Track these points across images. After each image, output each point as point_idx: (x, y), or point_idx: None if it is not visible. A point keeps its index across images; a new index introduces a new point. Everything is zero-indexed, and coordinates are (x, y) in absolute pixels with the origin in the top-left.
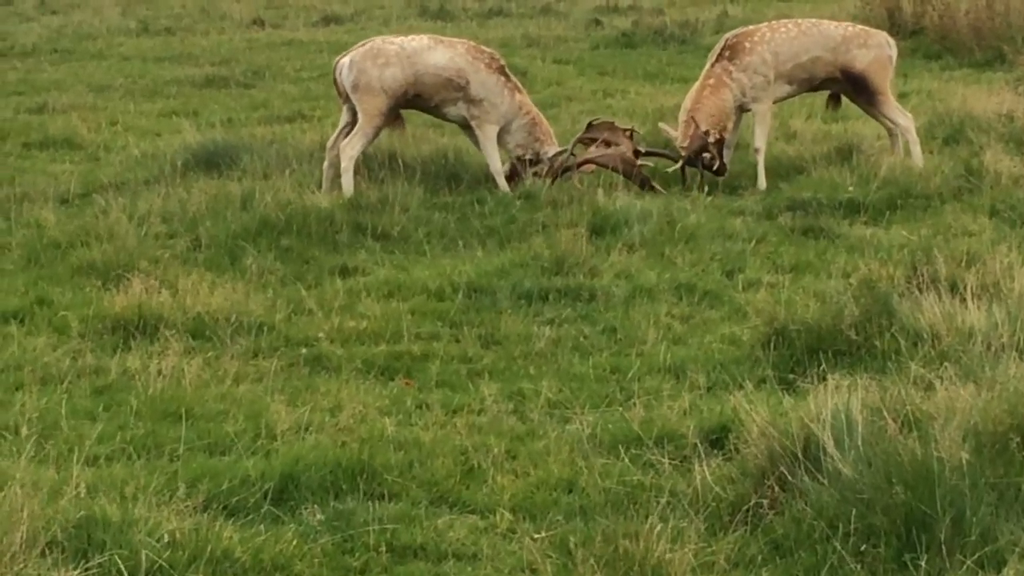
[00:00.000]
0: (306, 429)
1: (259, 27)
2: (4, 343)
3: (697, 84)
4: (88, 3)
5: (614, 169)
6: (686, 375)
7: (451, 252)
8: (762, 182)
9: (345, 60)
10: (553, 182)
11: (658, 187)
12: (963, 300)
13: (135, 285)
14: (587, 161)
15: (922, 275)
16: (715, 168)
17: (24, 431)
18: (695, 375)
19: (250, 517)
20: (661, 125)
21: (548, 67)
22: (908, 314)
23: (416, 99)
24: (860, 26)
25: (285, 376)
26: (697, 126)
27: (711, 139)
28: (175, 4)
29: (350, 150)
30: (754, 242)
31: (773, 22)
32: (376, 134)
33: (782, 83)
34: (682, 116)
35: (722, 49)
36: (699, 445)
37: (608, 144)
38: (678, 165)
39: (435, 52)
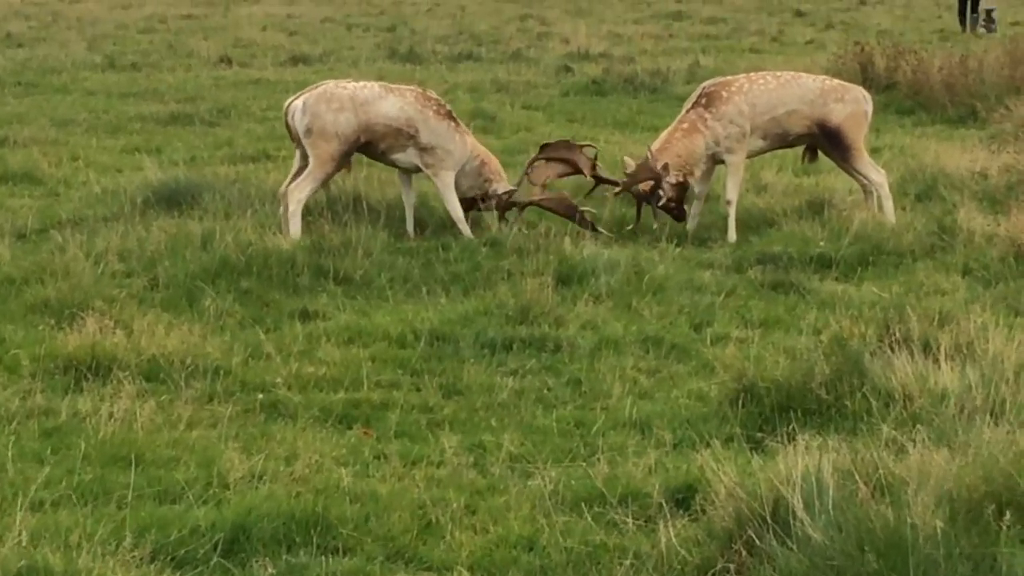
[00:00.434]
0: (260, 478)
1: (226, 65)
2: None
3: (669, 127)
4: (54, 37)
5: (555, 211)
6: (652, 431)
7: (414, 298)
8: (732, 235)
9: (298, 103)
10: (501, 217)
11: (602, 229)
12: (936, 361)
13: (89, 325)
14: (531, 204)
15: (894, 334)
16: (671, 211)
17: None
18: (661, 431)
19: (199, 570)
20: (626, 158)
21: (517, 113)
22: (880, 374)
23: (366, 146)
24: (837, 80)
25: (240, 422)
26: (650, 158)
27: (672, 179)
28: (142, 40)
29: (298, 193)
30: (723, 295)
31: (752, 73)
32: (326, 179)
33: (756, 137)
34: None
35: (699, 96)
36: (664, 505)
37: (566, 162)
38: (618, 190)
39: (385, 101)
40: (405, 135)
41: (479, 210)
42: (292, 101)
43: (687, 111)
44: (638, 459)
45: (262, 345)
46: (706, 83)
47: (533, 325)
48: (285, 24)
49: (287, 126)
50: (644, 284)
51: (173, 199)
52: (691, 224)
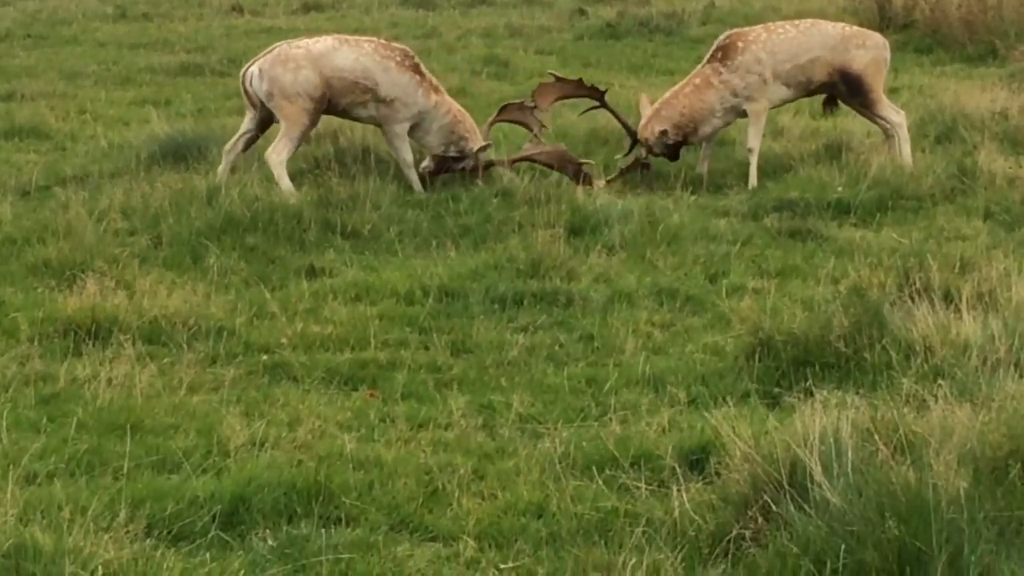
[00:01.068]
0: (261, 445)
1: (238, 14)
2: None
3: (681, 82)
4: None
5: (552, 166)
6: (666, 388)
7: (423, 252)
8: (753, 180)
9: (254, 69)
10: (478, 176)
11: (596, 182)
12: (957, 310)
13: (89, 286)
14: (523, 158)
15: (914, 283)
16: (664, 156)
17: None
18: (675, 388)
19: (196, 543)
20: (642, 96)
21: (530, 58)
22: (900, 325)
23: (329, 104)
24: (857, 27)
25: (243, 386)
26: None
27: (668, 141)
28: None
29: (276, 156)
30: (739, 244)
31: (770, 24)
32: (302, 138)
33: (779, 84)
34: (656, 106)
35: (715, 50)
36: (678, 468)
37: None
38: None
39: (339, 54)
40: (362, 88)
41: (454, 171)
42: (248, 67)
43: (702, 66)
44: (651, 418)
45: (267, 304)
46: (722, 35)
47: (544, 279)
48: None
49: (244, 92)
50: (658, 234)
51: (180, 153)
52: (702, 167)
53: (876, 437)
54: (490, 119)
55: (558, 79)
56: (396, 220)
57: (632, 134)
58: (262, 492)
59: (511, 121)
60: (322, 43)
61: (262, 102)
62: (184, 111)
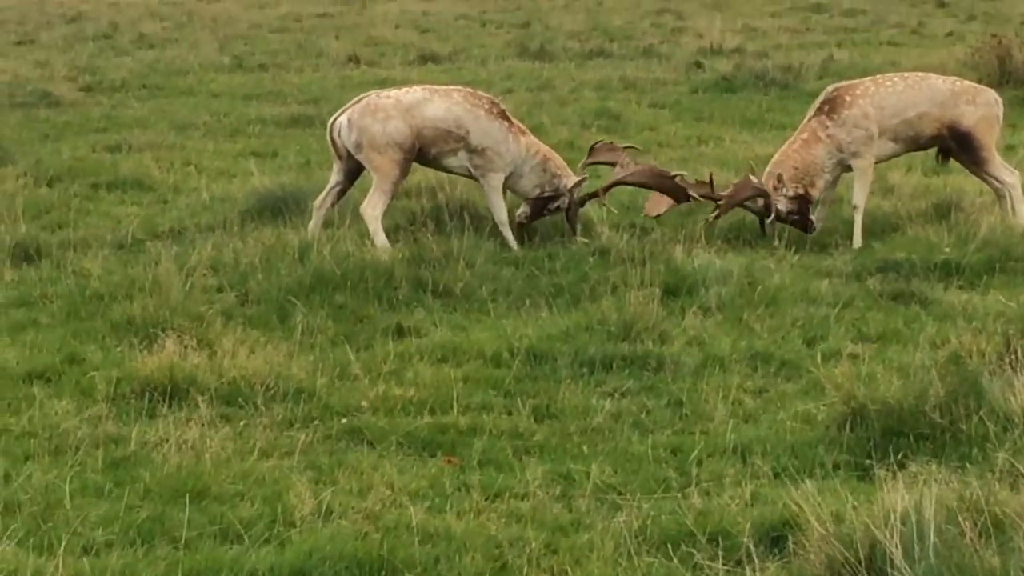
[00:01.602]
0: (328, 515)
1: (355, 65)
2: (24, 406)
3: (790, 139)
4: (187, 38)
5: (645, 185)
6: (752, 458)
7: (515, 312)
8: (858, 240)
9: (343, 119)
10: (574, 213)
11: (697, 196)
12: None
13: (168, 345)
14: (618, 183)
15: (1016, 351)
16: (795, 223)
17: (25, 509)
18: (762, 459)
19: None
20: (750, 177)
21: (643, 111)
22: (999, 395)
23: (418, 153)
24: (968, 82)
25: (317, 451)
26: (751, 176)
27: (789, 192)
28: (273, 40)
29: (371, 210)
30: (839, 307)
31: (878, 76)
32: (395, 190)
33: (886, 140)
34: (768, 168)
35: (821, 103)
36: (753, 548)
37: (612, 164)
38: (716, 214)
39: (432, 104)
40: (454, 137)
41: (551, 213)
42: (336, 117)
43: (808, 119)
44: (734, 490)
45: (350, 365)
46: (829, 88)
47: (636, 342)
48: (419, 21)
49: (332, 142)
50: (756, 295)
51: (278, 207)
52: (817, 227)
53: (960, 519)
54: (583, 162)
55: (668, 187)
56: (490, 278)
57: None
58: (323, 566)
59: (602, 163)
60: (412, 94)
61: (349, 153)
62: (289, 164)
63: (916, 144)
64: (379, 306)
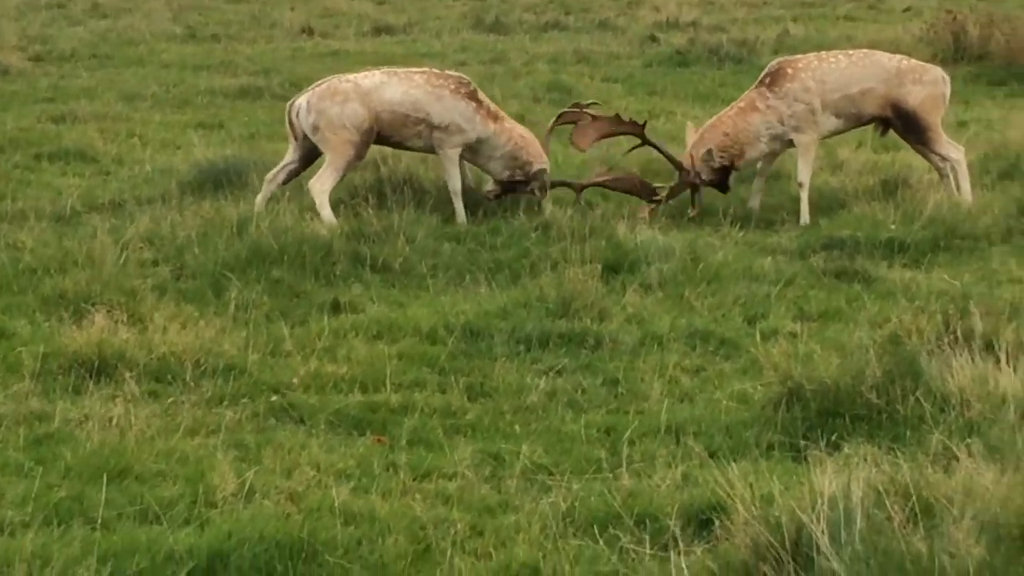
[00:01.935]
0: (250, 495)
1: (308, 36)
2: None
3: (731, 105)
4: (140, 7)
5: (625, 191)
6: (686, 438)
7: (454, 288)
8: (805, 217)
9: (301, 101)
10: (544, 197)
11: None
12: (997, 361)
13: (98, 320)
14: (594, 184)
15: (955, 330)
16: (715, 186)
17: None
18: (695, 440)
19: None
20: (688, 124)
21: (596, 85)
22: (936, 375)
23: (380, 137)
24: (915, 60)
25: (245, 428)
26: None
27: (714, 164)
28: (228, 10)
29: (319, 185)
30: (782, 285)
31: (823, 52)
32: (347, 169)
33: (829, 115)
34: (701, 131)
35: (765, 75)
36: (680, 531)
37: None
38: (653, 208)
39: (389, 88)
40: (414, 120)
41: (520, 194)
42: (296, 100)
43: (749, 90)
44: (666, 472)
45: (284, 341)
46: (774, 62)
47: (574, 319)
48: None
49: (290, 124)
50: (699, 272)
51: (219, 180)
52: (753, 202)
53: (888, 503)
54: (549, 126)
55: (594, 118)
56: (430, 253)
57: (677, 164)
58: (242, 548)
59: (568, 122)
60: (371, 78)
61: (306, 135)
62: (235, 136)
63: (859, 121)
64: (316, 281)
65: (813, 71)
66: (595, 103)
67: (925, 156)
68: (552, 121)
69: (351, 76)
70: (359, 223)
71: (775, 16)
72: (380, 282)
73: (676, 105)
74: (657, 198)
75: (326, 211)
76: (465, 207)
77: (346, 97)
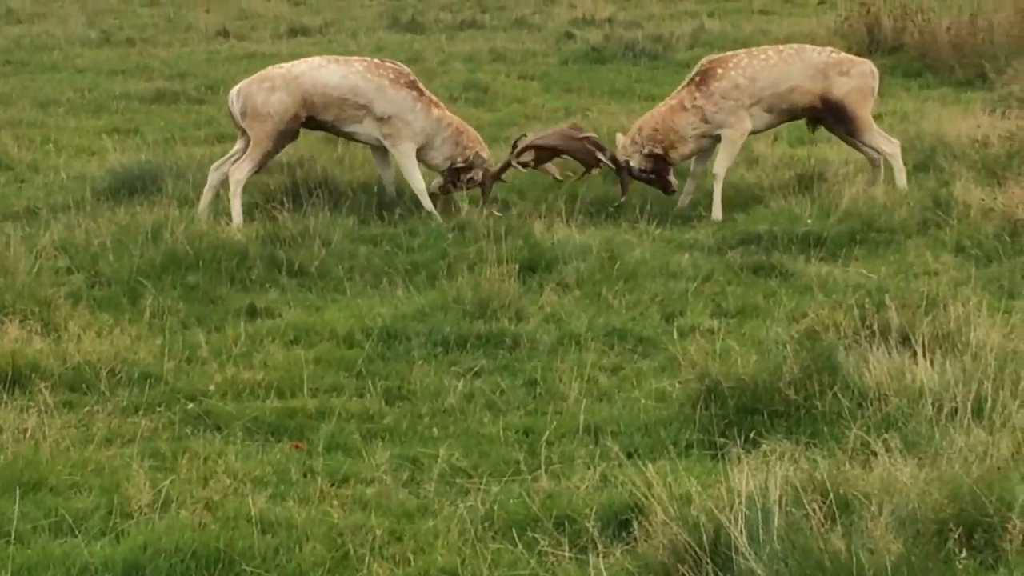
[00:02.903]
0: (166, 505)
1: (223, 38)
2: None
3: (663, 102)
4: (55, 12)
5: (559, 151)
6: (604, 439)
7: (371, 291)
8: (717, 212)
9: (235, 89)
10: (488, 187)
11: (605, 160)
12: (914, 354)
13: (11, 330)
14: (527, 148)
15: (871, 324)
16: (652, 182)
17: None
18: (613, 439)
19: None
20: (618, 135)
21: (512, 83)
22: (853, 370)
23: (310, 121)
24: (844, 54)
25: (162, 437)
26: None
27: (644, 150)
28: (143, 14)
29: (237, 174)
30: (699, 281)
31: (753, 48)
32: (265, 160)
33: (760, 111)
34: (632, 128)
35: (695, 74)
36: (599, 532)
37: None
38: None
39: (325, 71)
40: (352, 104)
41: (464, 185)
42: (234, 87)
43: (681, 88)
44: (584, 473)
45: (200, 348)
46: (703, 60)
47: (491, 320)
48: None
49: (230, 115)
50: (616, 271)
51: (135, 186)
52: (683, 201)
53: (805, 503)
54: (532, 141)
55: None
56: (347, 256)
57: (613, 163)
58: (158, 559)
59: (557, 151)
60: (306, 62)
61: None
62: (150, 141)
63: (792, 115)
64: (232, 287)
65: (743, 68)
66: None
67: (857, 148)
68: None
69: (288, 63)
70: (275, 227)
71: (690, 11)
72: (296, 286)
73: (592, 102)
74: (597, 148)
75: (236, 202)
76: (382, 209)
77: (273, 85)
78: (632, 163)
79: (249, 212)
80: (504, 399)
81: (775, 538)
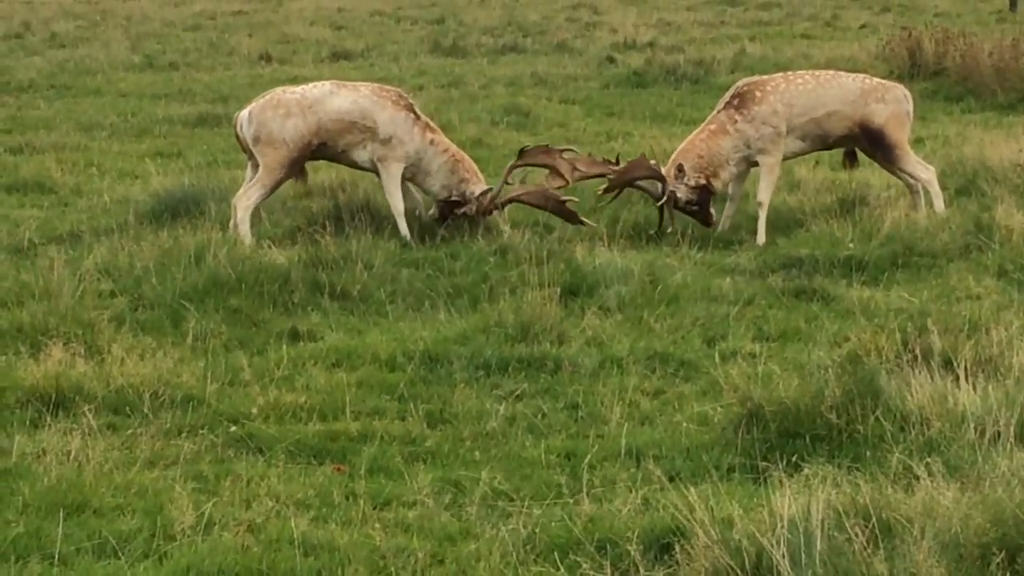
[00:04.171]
0: (210, 526)
1: (266, 62)
2: None
3: (698, 128)
4: (99, 37)
5: (538, 205)
6: (646, 462)
7: (413, 314)
8: (761, 237)
9: (244, 113)
10: (479, 220)
11: (587, 221)
12: (957, 378)
13: (55, 353)
14: (512, 200)
15: (914, 348)
16: (694, 214)
17: None
18: (655, 463)
19: None
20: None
21: (553, 107)
22: (895, 394)
23: (321, 148)
24: (877, 79)
25: (204, 460)
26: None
27: (689, 182)
28: (186, 38)
29: (245, 200)
30: (741, 305)
31: (789, 73)
32: (275, 187)
33: (794, 138)
34: (673, 156)
35: (732, 97)
36: (641, 556)
37: (546, 167)
38: (604, 188)
39: (337, 97)
40: (361, 128)
41: (457, 218)
42: (240, 112)
43: (717, 111)
44: (626, 496)
45: (242, 371)
46: (740, 83)
47: (533, 343)
48: (334, 18)
49: (236, 137)
50: (657, 294)
51: (178, 209)
52: (724, 224)
53: (848, 526)
54: (510, 164)
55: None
56: (388, 280)
57: (660, 180)
58: None
59: (534, 165)
60: (317, 88)
61: None
62: (193, 164)
63: (825, 143)
64: (274, 310)
65: (781, 94)
66: (570, 148)
67: (895, 175)
68: (513, 162)
69: (297, 88)
70: (317, 250)
71: (731, 35)
72: (338, 309)
73: (634, 126)
74: (566, 211)
75: (245, 227)
76: (423, 232)
77: (288, 111)
78: (679, 195)
79: (291, 236)
80: (546, 422)
81: (817, 562)
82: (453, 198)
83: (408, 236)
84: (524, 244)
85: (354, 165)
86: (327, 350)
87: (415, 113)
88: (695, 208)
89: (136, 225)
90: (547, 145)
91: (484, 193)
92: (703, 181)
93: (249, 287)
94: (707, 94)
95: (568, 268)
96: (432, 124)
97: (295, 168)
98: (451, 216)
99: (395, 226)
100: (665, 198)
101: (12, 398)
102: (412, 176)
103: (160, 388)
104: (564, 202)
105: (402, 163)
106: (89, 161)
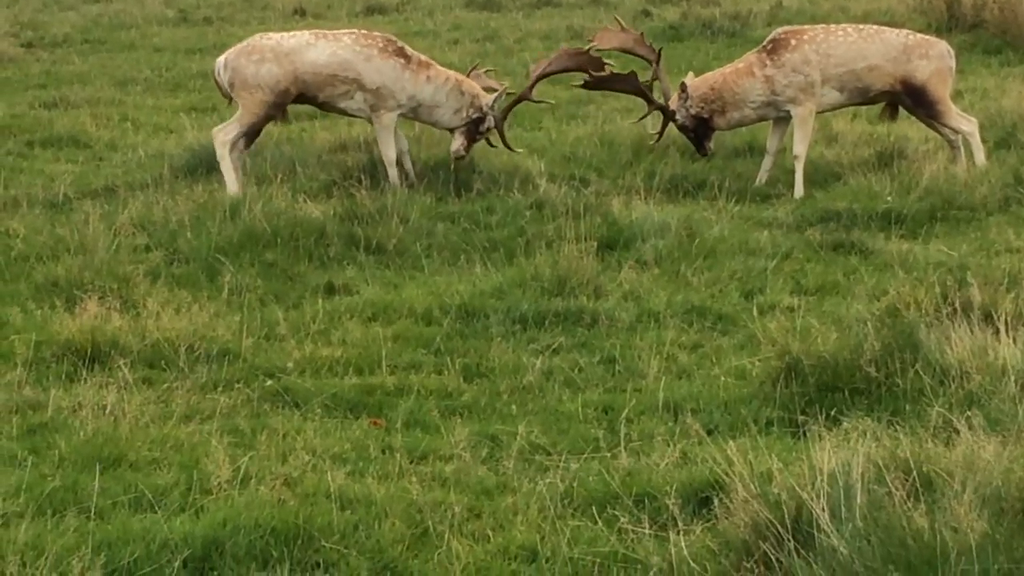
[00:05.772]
0: (245, 481)
1: (300, 16)
2: None
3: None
4: None
5: (568, 69)
6: (684, 416)
7: (448, 268)
8: (799, 190)
9: (221, 59)
10: (503, 124)
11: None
12: (997, 331)
13: (90, 307)
14: (540, 77)
15: (953, 301)
16: (688, 137)
17: None
18: (693, 417)
19: None
20: (690, 73)
21: None
22: (935, 348)
23: (302, 97)
24: (920, 35)
25: (240, 414)
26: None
27: (691, 109)
28: None
29: (222, 135)
30: (779, 259)
31: (831, 24)
32: (253, 127)
33: (831, 88)
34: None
35: (768, 42)
36: (679, 510)
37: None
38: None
39: (314, 49)
40: (343, 80)
41: (483, 136)
42: (218, 58)
43: (750, 53)
44: (664, 450)
45: (278, 325)
46: (779, 29)
47: (570, 297)
48: None
49: (216, 84)
50: (695, 248)
51: (212, 164)
52: (761, 178)
53: (888, 480)
54: (541, 70)
55: (623, 28)
56: (424, 234)
57: (656, 106)
58: (238, 535)
59: (566, 70)
60: (296, 38)
61: None
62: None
63: (865, 96)
64: (310, 264)
65: (818, 44)
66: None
67: (936, 129)
68: (545, 64)
69: (275, 35)
70: (352, 204)
71: None
72: (374, 263)
73: (671, 80)
74: (598, 62)
75: (226, 163)
76: (461, 186)
77: (262, 57)
78: (677, 117)
79: (327, 189)
80: (583, 376)
81: (857, 516)
82: (473, 116)
83: (399, 185)
84: (560, 198)
85: (342, 113)
86: (363, 304)
87: (404, 56)
88: (691, 135)
89: (171, 179)
90: (578, 49)
91: (497, 98)
92: (704, 115)
93: (285, 241)
94: (743, 47)
95: (605, 222)
96: (424, 59)
97: (274, 111)
98: (478, 136)
99: (384, 173)
100: (652, 108)
101: (48, 352)
102: (422, 117)
103: (196, 342)
104: (587, 51)
105: (394, 113)
106: (124, 116)
